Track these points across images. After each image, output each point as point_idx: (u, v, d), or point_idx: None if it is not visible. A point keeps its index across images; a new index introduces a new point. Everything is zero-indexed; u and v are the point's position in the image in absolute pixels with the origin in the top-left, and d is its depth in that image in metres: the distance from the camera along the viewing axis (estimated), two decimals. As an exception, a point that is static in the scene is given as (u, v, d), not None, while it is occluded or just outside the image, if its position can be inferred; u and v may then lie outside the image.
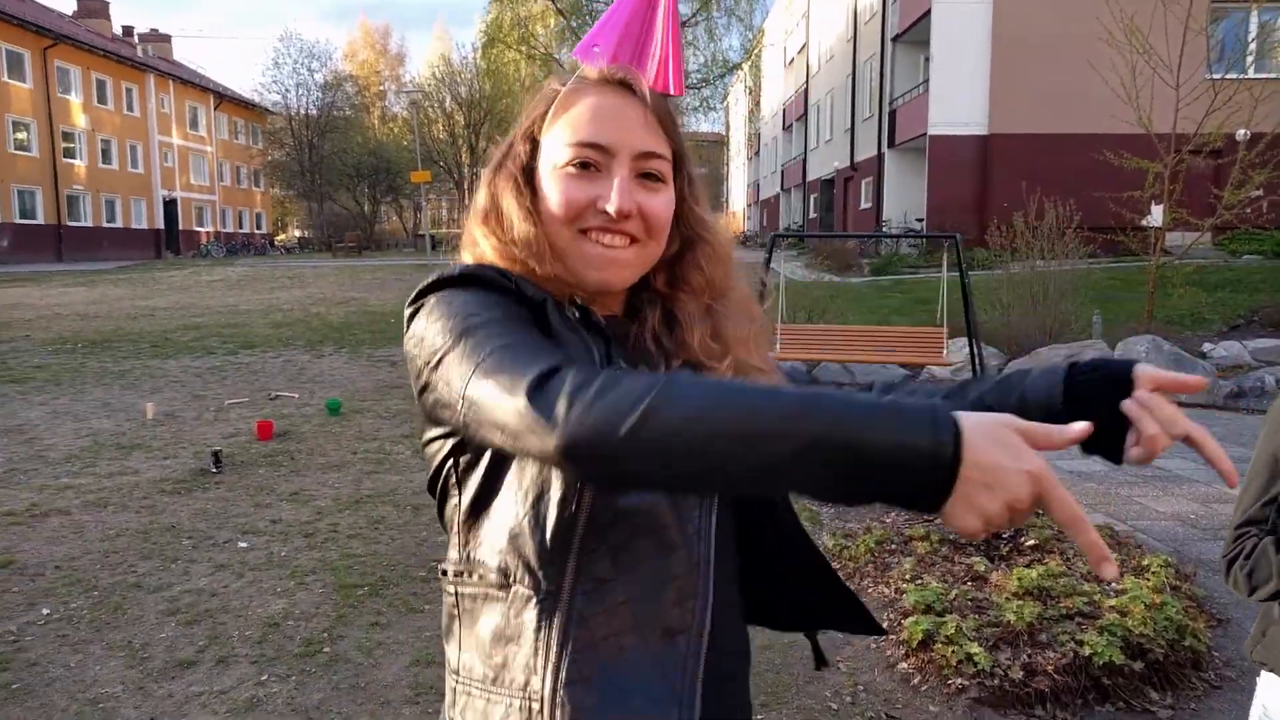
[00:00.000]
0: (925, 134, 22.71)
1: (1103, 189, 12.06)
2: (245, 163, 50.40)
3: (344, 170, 43.53)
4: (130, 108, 40.74)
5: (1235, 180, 11.20)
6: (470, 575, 0.98)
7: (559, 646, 0.92)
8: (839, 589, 1.10)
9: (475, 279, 0.94)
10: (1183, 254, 13.02)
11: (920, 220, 22.63)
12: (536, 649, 0.92)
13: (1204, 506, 5.73)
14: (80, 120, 37.13)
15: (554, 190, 0.99)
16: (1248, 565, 1.55)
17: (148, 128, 41.73)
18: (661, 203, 1.01)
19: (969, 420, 0.71)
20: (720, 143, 62.72)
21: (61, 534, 5.23)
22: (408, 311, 0.97)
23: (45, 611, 4.15)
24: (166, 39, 48.43)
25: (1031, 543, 4.50)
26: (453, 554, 1.01)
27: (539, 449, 0.77)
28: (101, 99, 38.72)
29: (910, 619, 3.65)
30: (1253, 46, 15.61)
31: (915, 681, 3.44)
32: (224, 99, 48.43)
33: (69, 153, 36.45)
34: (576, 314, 0.98)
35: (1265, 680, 1.68)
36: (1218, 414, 9.10)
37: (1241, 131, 11.48)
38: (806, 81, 39.54)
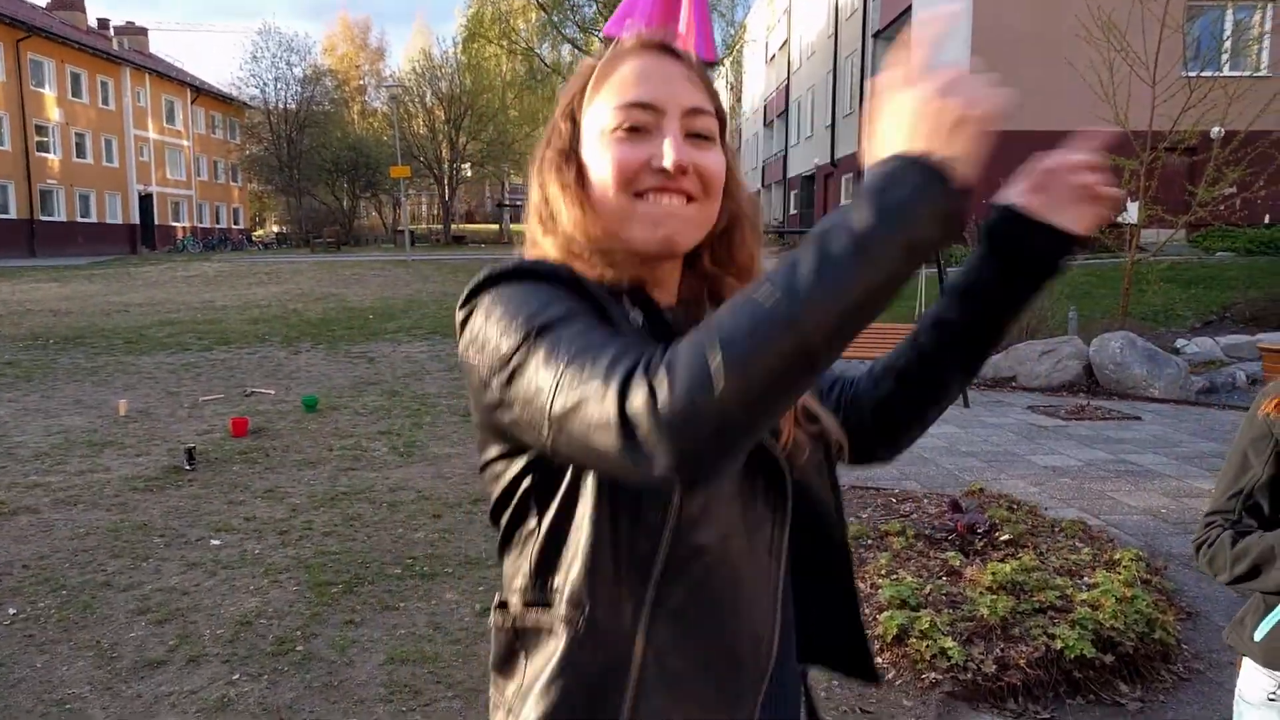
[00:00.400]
0: (905, 131, 22.81)
1: (1079, 186, 12.13)
2: (223, 157, 49.92)
3: (323, 165, 43.22)
4: (105, 101, 40.25)
5: (1209, 178, 11.32)
6: (542, 606, 0.94)
7: (635, 681, 0.89)
8: (855, 627, 1.08)
9: (531, 272, 0.89)
10: (1157, 251, 13.13)
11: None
12: (607, 682, 0.89)
13: (1175, 501, 5.78)
14: (54, 114, 36.65)
15: (604, 157, 0.95)
16: (1209, 553, 1.65)
17: (123, 121, 41.25)
18: (715, 159, 0.97)
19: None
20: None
21: (29, 533, 5.16)
22: (460, 313, 0.91)
23: (12, 611, 4.09)
24: (143, 32, 47.88)
25: (1006, 538, 4.53)
26: (519, 581, 0.96)
27: (647, 474, 0.72)
28: (76, 92, 38.23)
29: (885, 614, 3.66)
30: (1228, 44, 15.76)
31: (889, 676, 3.45)
32: (201, 93, 47.93)
33: (42, 146, 35.98)
34: (640, 317, 0.94)
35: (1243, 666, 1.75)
36: (1191, 409, 9.20)
37: (1216, 129, 11.59)
38: (788, 77, 39.60)
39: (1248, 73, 14.26)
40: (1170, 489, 6.07)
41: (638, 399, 0.70)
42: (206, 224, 48.12)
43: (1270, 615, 1.60)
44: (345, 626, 3.94)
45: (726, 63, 37.07)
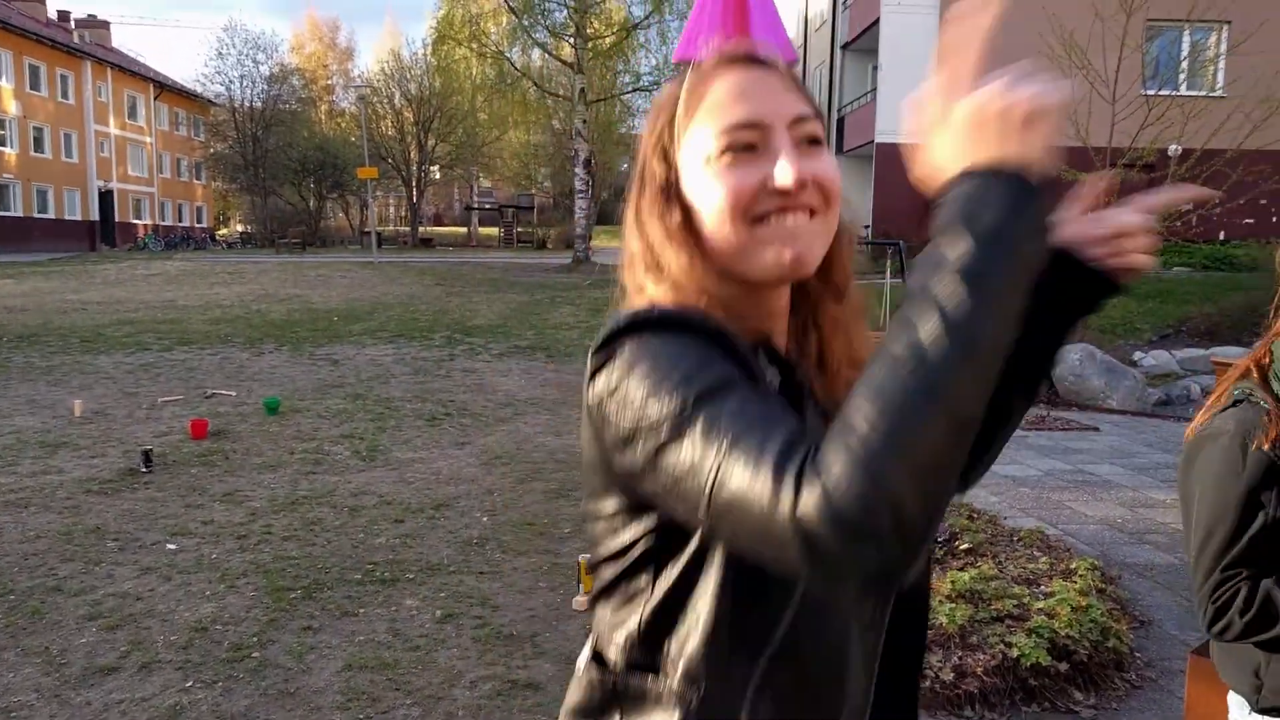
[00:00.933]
0: (873, 141, 23.04)
1: (1041, 200, 12.34)
2: (186, 154, 49.18)
3: (289, 165, 42.71)
4: (65, 95, 39.52)
5: (1166, 194, 11.55)
6: (651, 672, 0.90)
7: None
8: (913, 681, 1.05)
9: (678, 322, 0.82)
10: (1116, 264, 13.36)
11: (866, 227, 22.92)
12: None
13: (1131, 511, 5.89)
14: (11, 107, 35.90)
15: (715, 186, 0.88)
16: (1249, 610, 1.51)
17: (83, 116, 40.51)
18: (830, 165, 0.90)
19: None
20: (671, 146, 62.96)
21: (-21, 535, 5.04)
22: (595, 359, 0.84)
23: (-42, 616, 3.99)
24: (105, 25, 47.09)
25: (965, 546, 4.58)
26: (623, 638, 0.91)
27: (834, 582, 0.71)
28: (35, 85, 37.49)
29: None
30: (1185, 64, 16.11)
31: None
32: (164, 89, 47.21)
33: (-1, 140, 35.28)
34: (775, 376, 0.89)
35: None
36: (1147, 420, 9.37)
37: (1174, 147, 11.84)
38: (757, 87, 39.81)
39: (1203, 92, 14.58)
40: (1126, 499, 6.18)
41: (811, 506, 0.65)
42: (169, 222, 47.37)
43: None
44: (303, 633, 3.89)
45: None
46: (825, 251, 0.91)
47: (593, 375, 0.84)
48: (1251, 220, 13.72)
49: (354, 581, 4.48)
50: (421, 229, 47.55)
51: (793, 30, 33.07)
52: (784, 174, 0.86)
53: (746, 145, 0.88)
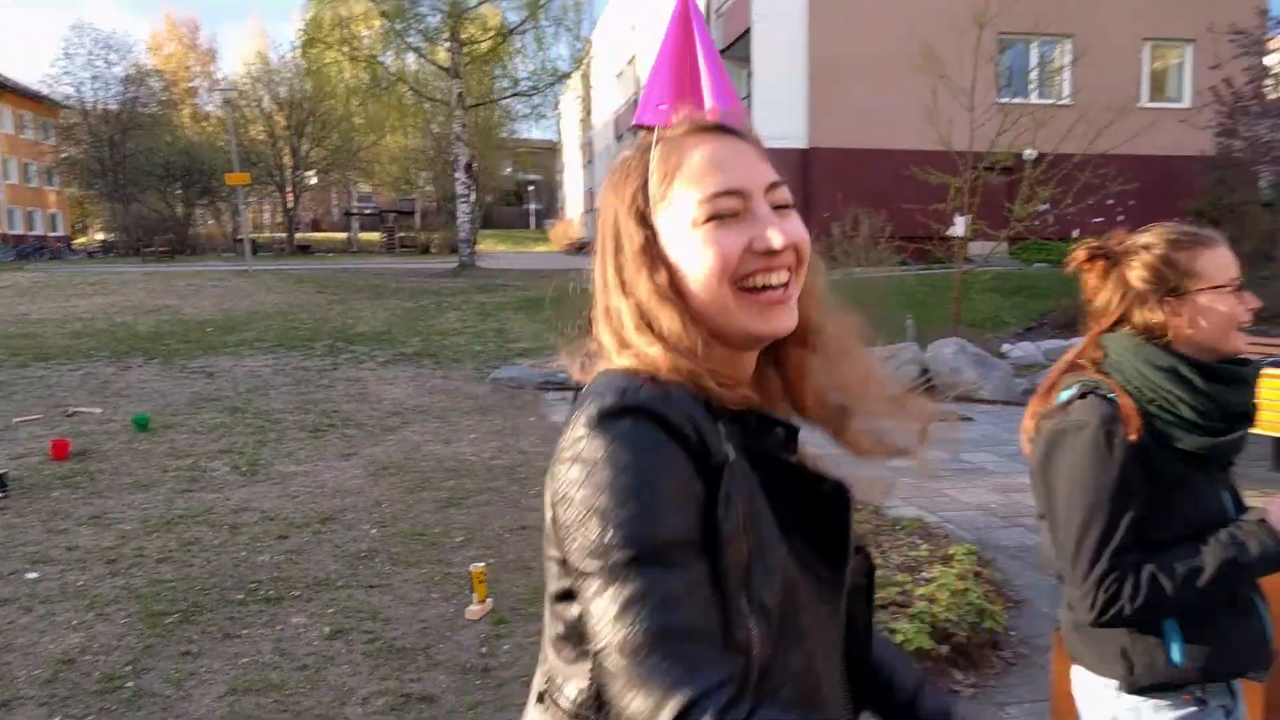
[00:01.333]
0: (750, 146, 23.56)
1: (912, 201, 12.87)
2: (35, 159, 46.16)
3: (152, 170, 40.60)
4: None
5: (1024, 195, 12.23)
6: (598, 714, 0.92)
7: None
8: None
9: (658, 419, 0.85)
10: (982, 262, 14.08)
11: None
12: None
13: (1003, 496, 6.21)
14: None
15: (702, 250, 0.92)
16: (1140, 595, 1.56)
17: (-83, 118, 37.56)
18: (800, 226, 0.97)
19: None
20: (553, 150, 62.81)
21: None
22: (570, 432, 0.87)
23: None
24: (-61, 21, 43.80)
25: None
26: (575, 692, 0.93)
27: None
28: None
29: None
30: (1034, 75, 17.10)
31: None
32: (6, 89, 44.18)
33: None
34: (731, 452, 0.90)
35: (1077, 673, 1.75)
36: (1016, 409, 9.89)
37: (1028, 151, 12.53)
38: (636, 92, 40.19)
39: (1052, 101, 15.51)
40: (999, 485, 6.51)
41: None
42: (19, 230, 44.37)
43: (1171, 636, 1.62)
44: (181, 659, 3.72)
45: (577, 76, 37.28)
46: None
47: (565, 448, 0.87)
48: (1101, 219, 14.63)
49: (236, 602, 4.31)
50: (299, 235, 46.01)
51: (672, 36, 33.51)
52: (774, 238, 0.92)
53: (730, 212, 0.92)
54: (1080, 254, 1.75)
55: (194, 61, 56.53)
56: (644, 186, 0.96)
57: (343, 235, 51.36)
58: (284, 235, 45.19)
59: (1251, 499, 5.20)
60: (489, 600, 4.29)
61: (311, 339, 13.76)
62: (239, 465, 6.90)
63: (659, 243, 0.95)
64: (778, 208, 0.96)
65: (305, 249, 42.49)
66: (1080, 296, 1.80)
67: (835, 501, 1.00)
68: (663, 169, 0.95)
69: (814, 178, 21.83)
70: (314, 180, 47.53)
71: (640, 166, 0.97)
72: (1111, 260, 1.72)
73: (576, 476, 0.84)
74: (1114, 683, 1.66)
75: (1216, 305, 1.65)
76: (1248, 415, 1.70)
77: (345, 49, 28.65)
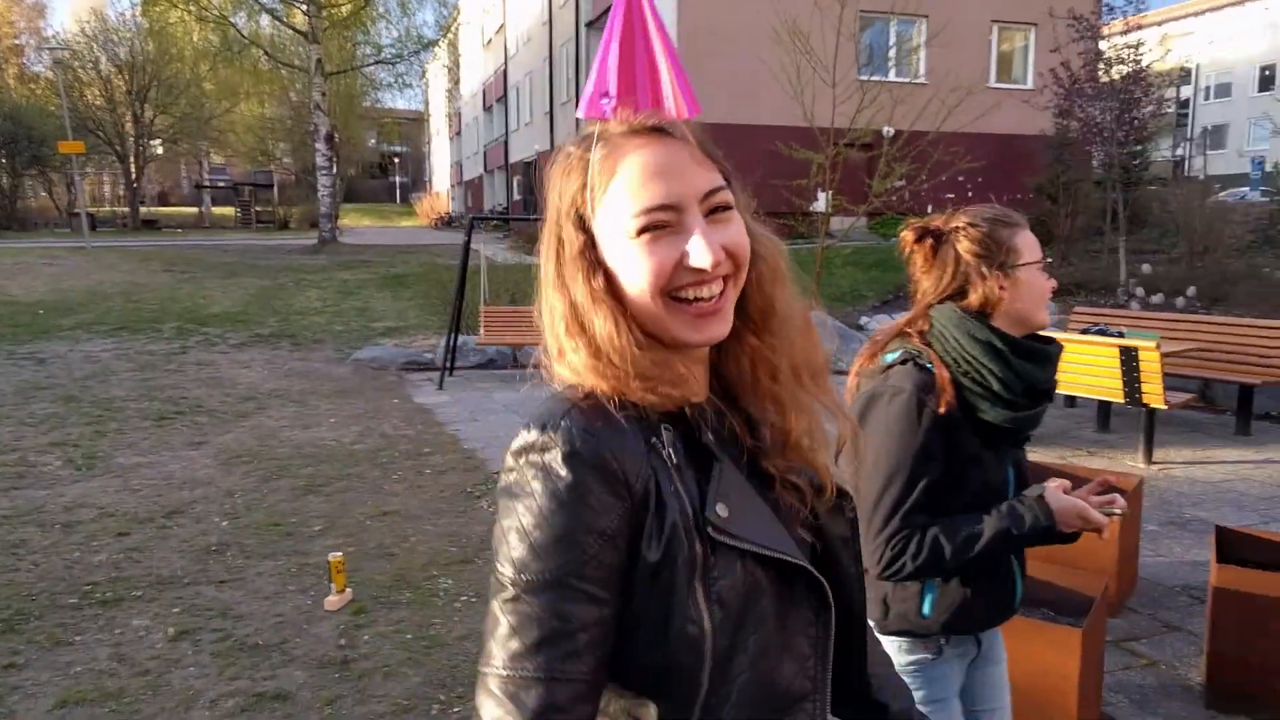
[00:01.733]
0: (619, 118, 23.55)
1: (777, 177, 13.11)
2: None
3: (-30, 137, 37.27)
4: None
5: (882, 171, 12.64)
6: None
7: None
8: (864, 676, 1.15)
9: (577, 457, 0.86)
10: (843, 237, 14.51)
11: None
12: None
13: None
14: None
15: (636, 263, 0.92)
16: (922, 554, 1.66)
17: None
18: (737, 231, 0.96)
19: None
20: (420, 121, 61.11)
21: None
22: (508, 458, 0.90)
23: None
24: None
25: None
26: None
27: None
28: None
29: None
30: (892, 53, 17.67)
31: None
32: None
33: None
34: (674, 453, 0.92)
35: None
36: (872, 379, 10.27)
37: (886, 128, 12.95)
38: (505, 63, 39.48)
39: (908, 79, 16.08)
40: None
41: None
42: None
43: (927, 591, 1.76)
44: (4, 671, 3.44)
45: (444, 44, 36.31)
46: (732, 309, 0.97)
47: (507, 473, 0.90)
48: (953, 195, 15.33)
49: (68, 606, 4.02)
50: (144, 210, 43.21)
51: (538, 6, 33.04)
52: (700, 257, 0.91)
53: (662, 224, 0.92)
54: (908, 235, 1.85)
55: (19, 16, 52.06)
56: (584, 189, 0.95)
57: (194, 210, 48.60)
58: (127, 209, 42.35)
59: (1077, 459, 5.60)
60: (348, 590, 4.15)
61: (158, 321, 12.99)
62: (74, 459, 6.44)
63: (597, 247, 0.95)
64: (716, 210, 0.94)
65: (152, 224, 39.99)
66: (911, 274, 1.89)
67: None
68: (601, 173, 0.94)
69: (682, 152, 21.92)
70: (160, 150, 44.64)
71: (580, 166, 0.96)
72: (938, 239, 1.82)
73: (500, 504, 0.90)
74: (871, 623, 1.80)
75: (1034, 280, 1.78)
76: (1048, 392, 1.82)
77: (192, 8, 27.00)
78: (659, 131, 0.95)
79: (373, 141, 54.49)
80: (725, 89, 21.50)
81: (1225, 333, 7.40)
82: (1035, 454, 6.12)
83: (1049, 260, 1.81)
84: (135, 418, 7.71)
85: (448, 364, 9.75)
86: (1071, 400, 7.81)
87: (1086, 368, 6.48)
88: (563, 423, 0.88)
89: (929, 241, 1.83)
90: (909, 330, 1.84)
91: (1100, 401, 7.09)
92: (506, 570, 0.86)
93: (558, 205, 0.97)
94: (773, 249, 1.04)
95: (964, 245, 1.78)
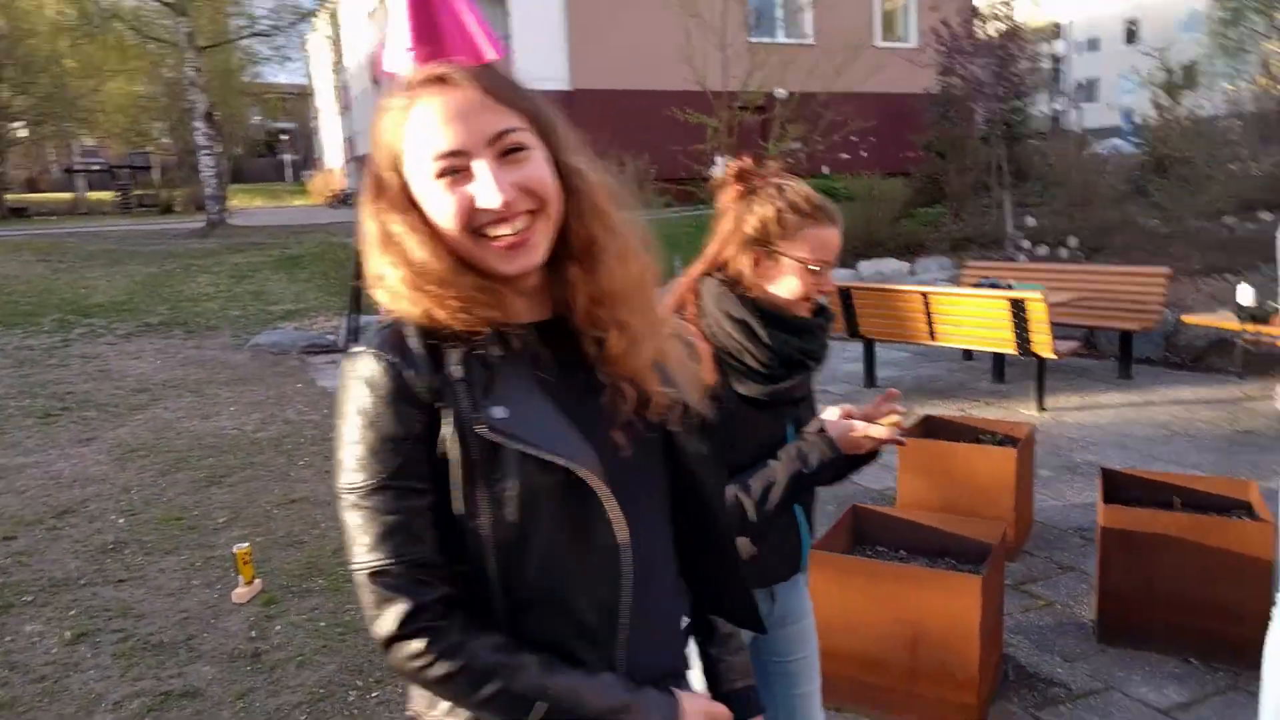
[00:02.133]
0: (515, 87, 23.18)
1: (675, 143, 13.16)
2: None
3: None
4: None
5: (776, 133, 12.82)
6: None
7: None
8: (735, 580, 1.23)
9: (384, 363, 0.98)
10: (742, 200, 14.65)
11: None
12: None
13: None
14: None
15: (437, 205, 1.00)
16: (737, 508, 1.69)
17: None
18: (534, 168, 1.01)
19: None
20: (305, 96, 58.94)
21: None
22: (345, 359, 1.03)
23: None
24: None
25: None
26: None
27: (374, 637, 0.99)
28: None
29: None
30: (780, 15, 17.83)
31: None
32: None
33: None
34: (460, 370, 0.99)
35: None
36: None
37: (779, 90, 13.12)
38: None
39: (796, 40, 16.28)
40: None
41: (406, 655, 0.98)
42: None
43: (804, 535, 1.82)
44: (-111, 691, 3.26)
45: (324, 15, 35.02)
46: (550, 239, 1.03)
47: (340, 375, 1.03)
48: (847, 156, 15.61)
49: (-44, 617, 3.83)
50: (11, 197, 40.62)
51: (424, -27, 32.08)
52: (486, 198, 0.98)
53: (455, 168, 0.99)
54: (732, 167, 1.80)
55: None
56: (394, 138, 1.02)
57: (68, 195, 45.94)
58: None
59: (975, 410, 5.81)
60: (257, 581, 4.07)
61: (36, 314, 12.30)
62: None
63: (410, 191, 1.02)
64: (509, 152, 0.99)
65: (20, 211, 37.64)
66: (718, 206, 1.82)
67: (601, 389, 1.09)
68: (399, 123, 1.01)
69: (579, 120, 21.27)
70: (23, 133, 41.98)
71: (390, 117, 1.03)
72: (749, 189, 1.77)
73: (335, 403, 1.02)
74: None
75: (793, 277, 1.73)
76: (806, 365, 1.78)
77: (44, -19, 25.31)
78: (445, 81, 1.01)
79: (257, 119, 52.33)
80: (617, 55, 21.36)
81: (1105, 282, 7.76)
82: (932, 407, 6.37)
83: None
84: (16, 415, 7.32)
85: (350, 345, 9.53)
86: (968, 354, 8.10)
87: (980, 321, 6.72)
88: (370, 347, 1.00)
89: (742, 186, 1.77)
90: (681, 305, 1.79)
91: (994, 354, 7.36)
92: (342, 483, 0.99)
93: (378, 151, 1.04)
94: (593, 184, 1.08)
95: (757, 208, 1.73)
